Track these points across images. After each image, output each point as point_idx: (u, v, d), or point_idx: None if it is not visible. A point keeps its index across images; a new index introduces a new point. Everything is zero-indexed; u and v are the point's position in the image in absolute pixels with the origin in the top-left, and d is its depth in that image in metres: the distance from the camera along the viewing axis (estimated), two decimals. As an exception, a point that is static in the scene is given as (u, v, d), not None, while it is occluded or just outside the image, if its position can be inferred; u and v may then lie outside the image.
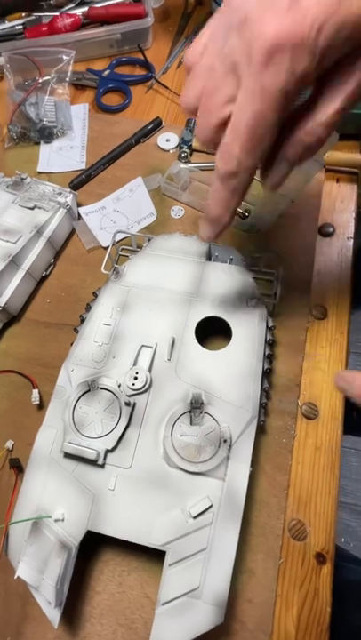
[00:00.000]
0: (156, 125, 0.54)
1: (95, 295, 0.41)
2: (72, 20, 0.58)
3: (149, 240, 0.43)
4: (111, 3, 0.60)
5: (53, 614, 0.30)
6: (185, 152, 0.51)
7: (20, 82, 0.56)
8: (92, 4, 0.60)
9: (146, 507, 0.32)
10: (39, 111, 0.54)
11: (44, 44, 0.56)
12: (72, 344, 0.39)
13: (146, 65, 0.59)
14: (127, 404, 0.34)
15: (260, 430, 0.38)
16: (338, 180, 0.50)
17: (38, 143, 0.55)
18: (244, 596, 0.34)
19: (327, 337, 0.42)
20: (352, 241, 0.47)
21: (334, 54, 0.20)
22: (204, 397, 0.35)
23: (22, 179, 0.48)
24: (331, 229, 0.47)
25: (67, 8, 0.60)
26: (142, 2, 0.59)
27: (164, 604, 0.30)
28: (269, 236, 0.47)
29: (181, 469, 0.33)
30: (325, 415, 0.39)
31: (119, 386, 0.35)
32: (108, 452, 0.33)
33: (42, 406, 0.41)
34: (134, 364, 0.36)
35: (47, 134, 0.55)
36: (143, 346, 0.37)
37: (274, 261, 0.42)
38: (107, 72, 0.59)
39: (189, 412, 0.34)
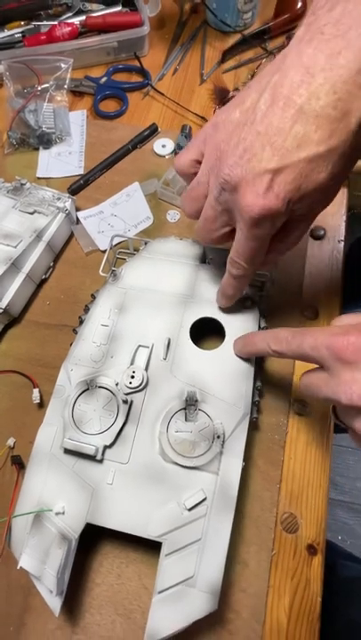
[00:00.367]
0: (152, 131, 0.55)
1: (93, 297, 0.42)
2: (70, 28, 0.59)
3: (146, 243, 0.44)
4: (108, 12, 0.61)
5: (55, 603, 0.31)
6: (180, 158, 0.53)
7: (19, 89, 0.57)
8: (90, 13, 0.61)
9: (143, 500, 0.33)
10: (38, 118, 0.55)
11: (42, 53, 0.57)
12: (71, 344, 0.40)
13: (142, 72, 0.60)
14: (125, 401, 0.36)
15: (254, 427, 0.40)
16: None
17: (37, 149, 0.56)
18: (238, 587, 0.35)
19: (318, 336, 0.43)
20: (343, 244, 0.48)
21: (299, 210, 0.29)
22: (199, 395, 0.36)
23: (22, 184, 0.49)
24: (322, 232, 0.48)
25: (65, 17, 0.61)
26: (138, 11, 0.60)
27: (160, 592, 0.31)
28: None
29: (177, 464, 0.34)
30: (316, 412, 0.41)
31: (117, 384, 0.36)
32: (106, 447, 0.35)
33: (42, 405, 0.42)
34: (131, 364, 0.38)
35: (46, 140, 0.56)
36: (140, 346, 0.38)
37: None
38: (104, 79, 0.60)
39: (184, 409, 0.35)
